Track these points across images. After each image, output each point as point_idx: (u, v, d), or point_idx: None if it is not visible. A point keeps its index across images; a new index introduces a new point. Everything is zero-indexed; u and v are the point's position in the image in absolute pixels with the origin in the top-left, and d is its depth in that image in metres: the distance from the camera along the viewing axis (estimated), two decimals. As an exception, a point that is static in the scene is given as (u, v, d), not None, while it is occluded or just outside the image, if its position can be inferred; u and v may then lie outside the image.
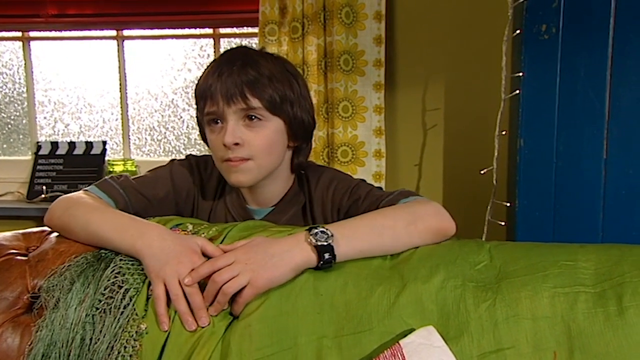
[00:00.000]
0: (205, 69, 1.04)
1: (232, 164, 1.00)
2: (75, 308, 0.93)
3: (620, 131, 1.47)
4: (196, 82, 1.05)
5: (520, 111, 1.53)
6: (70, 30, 2.20)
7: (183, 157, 1.15)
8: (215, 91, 0.99)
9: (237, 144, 0.99)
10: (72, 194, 1.06)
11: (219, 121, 1.01)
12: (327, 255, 0.84)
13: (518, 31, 1.51)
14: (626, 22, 1.44)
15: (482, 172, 1.57)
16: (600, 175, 1.49)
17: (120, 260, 0.96)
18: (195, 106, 1.08)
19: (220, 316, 0.87)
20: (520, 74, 1.52)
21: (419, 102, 1.88)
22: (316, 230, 0.86)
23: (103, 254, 1.00)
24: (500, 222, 1.57)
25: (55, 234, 1.13)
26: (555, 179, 1.52)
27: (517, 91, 1.53)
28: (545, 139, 1.52)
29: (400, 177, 1.92)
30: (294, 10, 1.83)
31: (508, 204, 1.58)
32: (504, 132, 1.55)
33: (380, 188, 1.12)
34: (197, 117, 1.09)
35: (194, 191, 1.12)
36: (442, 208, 0.98)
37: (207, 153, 1.13)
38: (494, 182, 1.57)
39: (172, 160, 1.14)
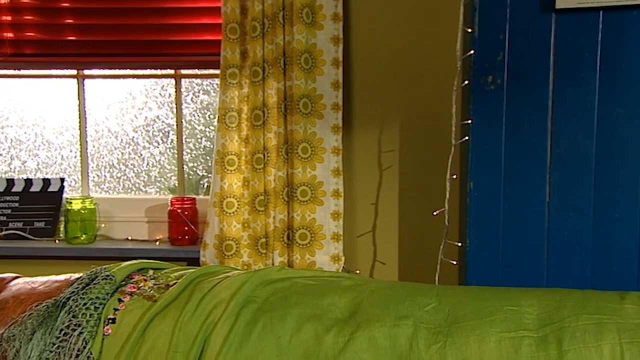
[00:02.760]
0: None
1: None
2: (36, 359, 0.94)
3: (560, 176, 1.57)
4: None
5: (470, 156, 1.62)
6: (29, 70, 2.20)
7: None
8: None
9: None
10: None
11: None
12: None
13: (467, 82, 1.61)
14: (563, 76, 1.55)
15: (434, 213, 1.64)
16: (543, 217, 1.58)
17: (73, 301, 0.98)
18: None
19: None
20: (469, 121, 1.61)
21: (375, 144, 1.95)
22: None
23: (63, 300, 1.01)
24: (452, 262, 1.64)
25: (17, 282, 1.13)
26: (503, 221, 1.61)
27: (467, 137, 1.62)
28: (493, 183, 1.61)
29: (357, 216, 1.98)
30: (254, 55, 1.89)
31: (459, 244, 1.66)
32: (454, 176, 1.64)
33: None
34: None
35: None
36: None
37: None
38: (446, 222, 1.65)
39: None
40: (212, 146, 2.22)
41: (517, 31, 1.57)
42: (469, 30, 1.60)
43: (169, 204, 2.10)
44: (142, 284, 0.98)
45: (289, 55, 1.88)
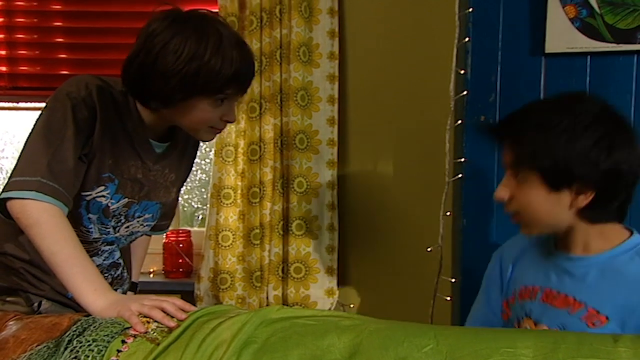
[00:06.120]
0: (221, 49, 1.11)
1: (218, 131, 1.26)
2: (37, 402, 0.94)
3: (551, 214, 1.60)
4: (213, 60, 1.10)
5: (463, 193, 1.66)
6: (25, 103, 2.22)
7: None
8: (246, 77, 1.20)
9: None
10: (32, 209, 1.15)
11: (223, 100, 1.19)
12: None
13: (460, 121, 1.66)
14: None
15: (428, 249, 1.67)
16: (535, 254, 1.61)
17: (78, 342, 0.98)
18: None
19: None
20: (462, 159, 1.65)
21: (370, 179, 1.98)
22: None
23: (66, 339, 1.01)
24: (446, 297, 1.67)
25: (16, 321, 1.13)
26: (496, 257, 1.63)
27: (460, 175, 1.65)
28: (485, 220, 1.64)
29: (352, 250, 2.00)
30: (252, 91, 1.92)
31: (453, 280, 1.68)
32: (448, 213, 1.67)
33: None
34: (188, 83, 1.12)
35: (96, 126, 1.21)
36: None
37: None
38: (440, 259, 1.67)
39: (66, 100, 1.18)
40: (207, 179, 2.24)
41: (508, 73, 1.62)
42: (462, 71, 1.65)
43: (164, 236, 2.11)
44: (146, 326, 0.99)
45: (285, 92, 1.91)
